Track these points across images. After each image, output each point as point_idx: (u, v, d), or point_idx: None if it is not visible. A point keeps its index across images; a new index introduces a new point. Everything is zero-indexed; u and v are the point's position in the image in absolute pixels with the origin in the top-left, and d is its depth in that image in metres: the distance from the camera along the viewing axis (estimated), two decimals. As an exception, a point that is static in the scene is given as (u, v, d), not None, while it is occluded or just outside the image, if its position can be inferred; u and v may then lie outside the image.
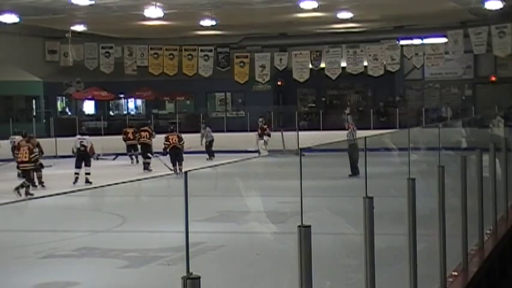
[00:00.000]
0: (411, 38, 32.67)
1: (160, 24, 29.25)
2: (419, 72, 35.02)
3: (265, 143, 26.30)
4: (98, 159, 21.05)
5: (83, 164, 19.55)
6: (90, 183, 19.08)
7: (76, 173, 19.37)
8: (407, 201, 6.15)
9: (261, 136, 26.63)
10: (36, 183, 18.66)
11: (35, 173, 18.39)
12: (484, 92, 34.55)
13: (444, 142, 8.58)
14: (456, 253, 7.49)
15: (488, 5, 25.83)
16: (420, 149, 8.61)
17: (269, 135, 26.58)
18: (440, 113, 32.65)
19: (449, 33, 30.64)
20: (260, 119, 27.31)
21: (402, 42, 32.58)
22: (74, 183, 19.11)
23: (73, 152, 21.11)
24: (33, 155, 17.84)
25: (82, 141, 19.95)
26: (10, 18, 26.36)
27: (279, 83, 36.12)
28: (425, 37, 32.07)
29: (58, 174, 22.76)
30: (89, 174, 19.39)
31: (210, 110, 36.32)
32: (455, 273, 7.36)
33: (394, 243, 6.94)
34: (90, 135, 21.72)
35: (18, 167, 18.44)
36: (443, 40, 31.23)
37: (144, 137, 24.49)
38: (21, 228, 10.91)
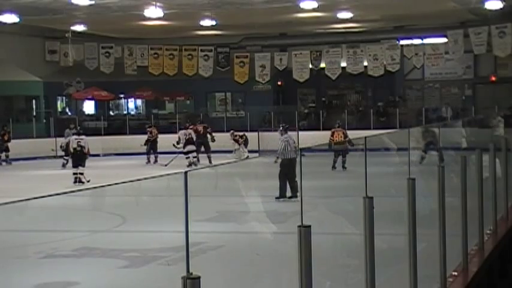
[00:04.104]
0: (411, 38, 32.66)
1: (160, 24, 29.25)
2: (419, 72, 35.03)
3: (238, 151, 25.77)
4: None
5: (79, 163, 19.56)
6: (83, 183, 19.08)
7: (75, 173, 19.35)
8: (407, 201, 6.15)
9: (240, 144, 26.16)
10: None
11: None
12: (484, 92, 34.55)
13: (444, 142, 8.59)
14: (456, 253, 7.49)
15: (489, 5, 25.83)
16: (420, 148, 8.63)
17: (245, 144, 26.03)
18: (440, 113, 32.65)
19: (449, 33, 30.63)
20: (231, 131, 26.73)
21: (402, 42, 32.56)
22: (74, 182, 19.07)
23: (64, 149, 21.70)
24: (347, 138, 20.82)
25: (79, 142, 19.88)
26: (10, 18, 26.37)
27: (279, 83, 36.12)
28: (425, 37, 32.06)
29: (58, 174, 22.78)
30: (82, 174, 19.36)
31: (210, 110, 36.33)
32: (455, 273, 7.36)
33: (394, 243, 6.94)
34: (90, 135, 21.72)
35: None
36: (444, 40, 31.22)
37: None
38: (21, 228, 10.90)
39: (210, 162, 24.34)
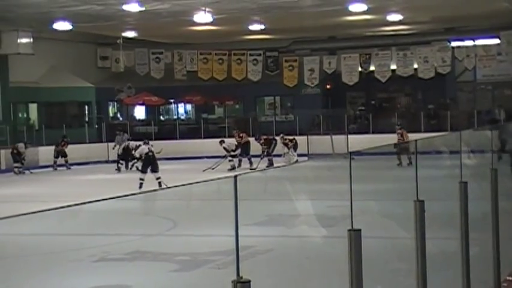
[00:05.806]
0: (462, 40, 32.19)
1: (209, 29, 29.46)
2: (471, 74, 34.44)
3: (288, 155, 25.85)
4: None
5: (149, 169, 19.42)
6: (161, 185, 18.67)
7: (142, 179, 18.95)
8: (460, 204, 6.07)
9: (289, 148, 26.21)
10: None
11: None
12: (538, 94, 33.82)
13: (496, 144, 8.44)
14: (510, 257, 7.35)
15: (542, 5, 25.33)
16: (472, 151, 8.49)
17: (295, 148, 25.94)
18: (493, 115, 32.04)
19: (502, 34, 30.11)
20: (280, 135, 26.63)
21: (453, 43, 32.13)
22: (140, 188, 18.51)
23: (119, 155, 21.97)
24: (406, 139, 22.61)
25: (151, 147, 19.93)
26: (63, 25, 26.93)
27: (328, 86, 35.98)
28: (477, 38, 31.56)
29: (112, 178, 23.12)
30: (159, 178, 18.92)
31: (259, 114, 36.40)
32: (510, 278, 7.23)
33: (446, 247, 6.85)
34: (140, 140, 21.99)
35: None
36: (496, 41, 30.70)
37: None
38: (75, 231, 11.11)
39: (272, 164, 25.42)
